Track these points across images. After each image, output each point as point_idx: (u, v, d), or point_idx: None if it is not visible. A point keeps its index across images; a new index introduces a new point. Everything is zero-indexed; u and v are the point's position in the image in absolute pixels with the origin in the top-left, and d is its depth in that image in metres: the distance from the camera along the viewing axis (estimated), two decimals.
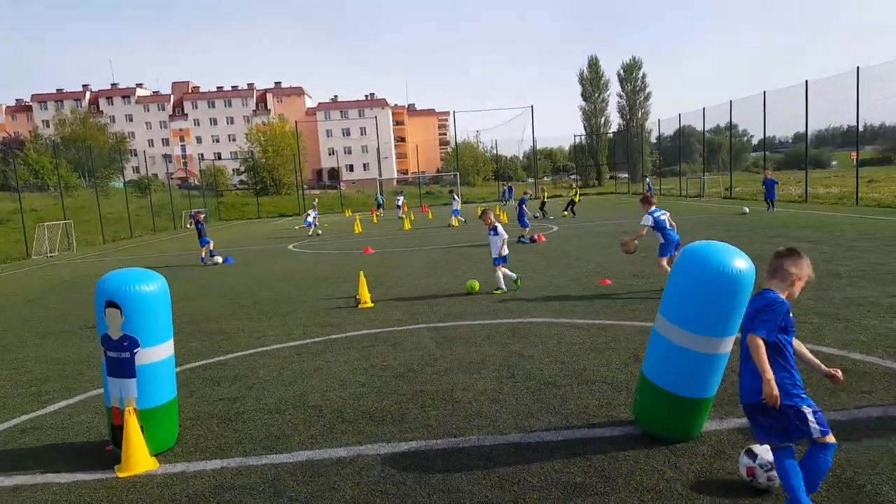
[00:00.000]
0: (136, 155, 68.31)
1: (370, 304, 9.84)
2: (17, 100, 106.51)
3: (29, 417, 5.65)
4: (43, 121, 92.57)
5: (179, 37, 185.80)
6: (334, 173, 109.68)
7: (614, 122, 78.16)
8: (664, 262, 9.40)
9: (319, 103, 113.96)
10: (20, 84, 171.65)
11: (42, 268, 20.64)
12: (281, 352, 7.39)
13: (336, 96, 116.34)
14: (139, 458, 4.39)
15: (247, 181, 63.00)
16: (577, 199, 29.23)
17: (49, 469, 4.50)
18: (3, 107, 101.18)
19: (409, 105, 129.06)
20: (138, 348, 4.42)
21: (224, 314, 10.01)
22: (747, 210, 22.49)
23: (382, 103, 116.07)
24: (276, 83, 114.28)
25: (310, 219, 26.57)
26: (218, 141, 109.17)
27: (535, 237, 17.72)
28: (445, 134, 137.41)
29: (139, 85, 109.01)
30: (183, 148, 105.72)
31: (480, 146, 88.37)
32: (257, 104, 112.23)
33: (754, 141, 59.75)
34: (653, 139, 65.98)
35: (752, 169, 57.47)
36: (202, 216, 18.57)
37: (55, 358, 7.87)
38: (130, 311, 4.36)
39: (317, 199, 35.98)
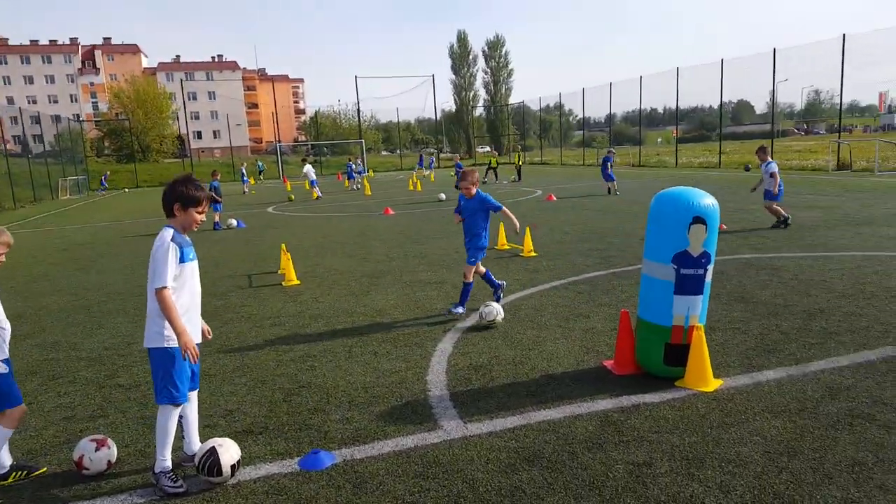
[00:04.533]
0: None
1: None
2: None
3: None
4: None
5: None
6: (179, 140, 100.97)
7: (481, 96, 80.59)
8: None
9: (160, 63, 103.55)
10: None
11: None
12: None
13: (178, 56, 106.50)
14: (709, 374, 4.43)
15: (105, 147, 55.93)
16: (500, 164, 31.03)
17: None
18: None
19: (259, 70, 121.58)
20: (710, 264, 4.41)
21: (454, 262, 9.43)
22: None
23: (233, 66, 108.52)
24: (104, 39, 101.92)
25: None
26: (35, 102, 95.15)
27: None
28: (299, 102, 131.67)
29: None
30: None
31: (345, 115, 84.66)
32: (83, 62, 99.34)
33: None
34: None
35: (593, 145, 61.95)
36: (218, 176, 17.08)
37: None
38: (711, 226, 4.34)
39: (245, 164, 35.01)
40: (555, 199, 19.28)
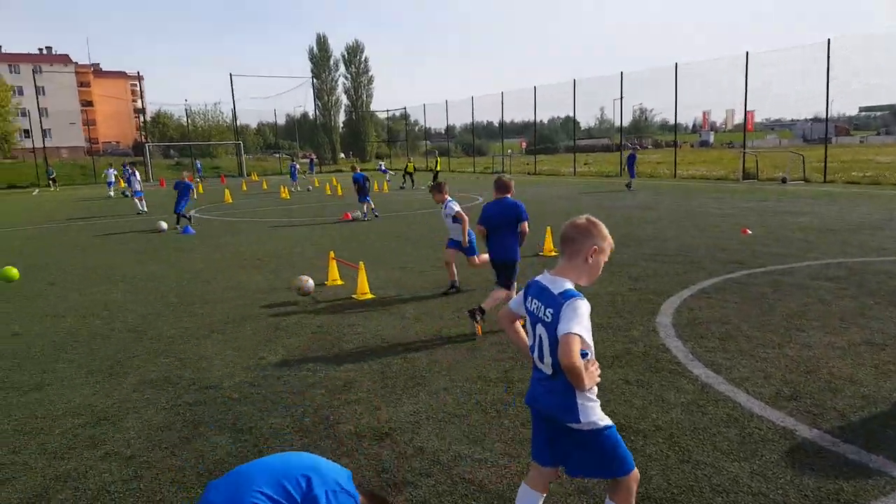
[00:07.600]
0: None
1: None
2: None
3: None
4: None
5: None
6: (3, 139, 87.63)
7: (343, 102, 77.99)
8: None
9: None
10: None
11: None
12: None
13: None
14: None
15: None
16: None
17: None
18: None
19: (94, 65, 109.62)
20: None
21: None
22: None
23: (64, 59, 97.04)
24: None
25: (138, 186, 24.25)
26: None
27: None
28: (137, 101, 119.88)
29: None
30: None
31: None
32: None
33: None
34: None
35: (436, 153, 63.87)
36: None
37: None
38: None
39: (113, 165, 31.63)
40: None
